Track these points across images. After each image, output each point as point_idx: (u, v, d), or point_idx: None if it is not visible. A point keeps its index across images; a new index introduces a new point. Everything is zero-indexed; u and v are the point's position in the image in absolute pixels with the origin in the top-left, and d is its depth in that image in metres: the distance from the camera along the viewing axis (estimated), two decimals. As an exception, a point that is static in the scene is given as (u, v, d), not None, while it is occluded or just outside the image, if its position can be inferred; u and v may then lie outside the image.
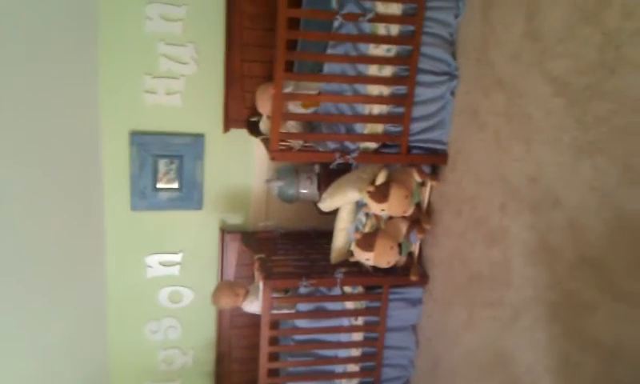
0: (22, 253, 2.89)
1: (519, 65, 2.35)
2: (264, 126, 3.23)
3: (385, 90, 2.90)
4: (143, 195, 3.55)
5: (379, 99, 2.91)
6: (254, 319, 3.40)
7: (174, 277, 3.78)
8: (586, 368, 1.98)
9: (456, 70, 2.85)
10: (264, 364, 3.19)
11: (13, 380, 2.96)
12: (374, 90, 2.90)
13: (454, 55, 2.87)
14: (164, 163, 3.53)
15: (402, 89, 2.89)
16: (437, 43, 2.83)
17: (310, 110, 3.03)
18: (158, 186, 3.56)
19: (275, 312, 3.17)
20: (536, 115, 2.24)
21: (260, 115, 3.27)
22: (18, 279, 2.87)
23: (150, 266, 3.72)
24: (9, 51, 2.49)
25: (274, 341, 3.22)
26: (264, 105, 3.05)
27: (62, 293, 3.29)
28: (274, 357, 3.26)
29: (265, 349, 3.17)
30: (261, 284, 3.13)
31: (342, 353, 3.30)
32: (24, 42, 2.61)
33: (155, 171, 3.53)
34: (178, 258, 3.75)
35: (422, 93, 2.88)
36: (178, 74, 3.40)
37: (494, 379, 2.55)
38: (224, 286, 3.38)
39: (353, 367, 3.33)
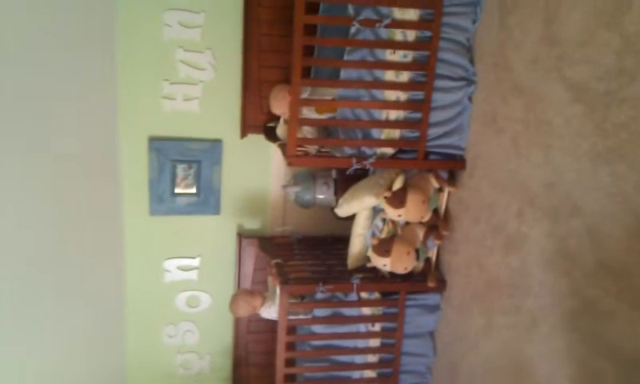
0: (41, 255, 2.94)
1: (537, 70, 2.33)
2: (281, 131, 3.24)
3: (402, 96, 2.90)
4: (161, 200, 3.58)
5: (396, 105, 2.90)
6: (271, 324, 3.41)
7: (191, 281, 3.81)
8: (605, 376, 1.96)
9: (473, 75, 2.83)
10: (281, 369, 3.20)
11: (30, 380, 3.01)
12: (391, 95, 2.90)
13: (471, 60, 2.85)
14: (182, 168, 3.57)
15: (419, 94, 2.88)
16: (454, 49, 2.82)
17: (324, 116, 3.04)
18: (176, 191, 3.60)
19: (292, 317, 3.17)
20: (555, 121, 2.22)
21: (277, 120, 3.28)
22: (37, 281, 2.92)
23: (168, 271, 3.75)
24: (27, 58, 2.53)
25: (290, 346, 3.22)
26: (278, 105, 3.06)
27: (80, 295, 3.33)
28: (290, 362, 3.26)
29: (281, 354, 3.17)
30: (277, 289, 3.14)
31: (359, 359, 3.29)
32: (43, 48, 2.66)
33: (173, 176, 3.57)
34: (195, 262, 3.77)
35: (439, 98, 2.87)
36: (196, 80, 3.44)
37: (512, 387, 2.53)
38: (240, 296, 3.39)
39: (370, 373, 3.32)
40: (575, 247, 2.12)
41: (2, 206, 2.56)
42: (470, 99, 2.87)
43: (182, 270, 3.77)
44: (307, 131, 3.13)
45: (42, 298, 3.01)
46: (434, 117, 2.90)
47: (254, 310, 3.35)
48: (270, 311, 3.37)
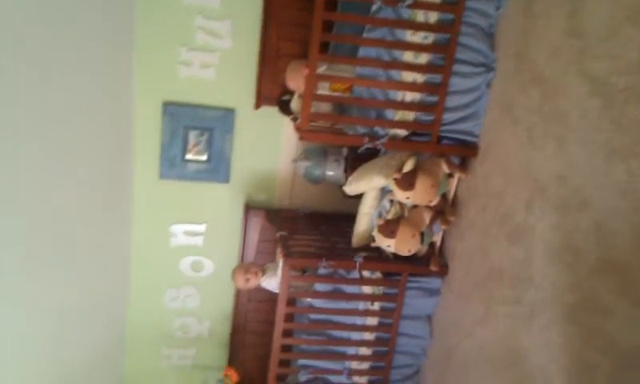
0: (50, 211, 2.96)
1: (558, 62, 2.31)
2: (295, 105, 3.24)
3: (419, 78, 2.88)
4: (172, 165, 3.60)
5: (413, 86, 2.89)
6: (271, 295, 3.45)
7: (196, 247, 3.85)
8: (600, 371, 1.97)
9: (493, 62, 2.81)
10: (278, 339, 3.24)
11: (29, 339, 3.06)
12: (408, 76, 2.88)
13: (492, 47, 2.83)
14: (194, 135, 3.58)
15: (436, 77, 2.87)
16: (475, 34, 2.80)
17: (337, 93, 3.03)
18: (187, 156, 3.61)
19: (292, 290, 3.20)
20: (571, 114, 2.21)
21: (291, 94, 3.28)
22: (45, 236, 2.95)
23: (174, 235, 3.79)
24: (42, 20, 2.53)
25: (289, 318, 3.26)
26: (294, 80, 3.04)
27: (87, 253, 3.37)
28: (288, 333, 3.30)
29: (280, 324, 3.21)
30: (280, 261, 3.17)
31: (356, 335, 3.33)
32: (59, 10, 2.65)
33: (185, 142, 3.58)
34: (201, 228, 3.81)
35: (456, 83, 2.85)
36: (214, 47, 3.43)
37: (506, 375, 2.55)
38: (238, 270, 3.43)
39: (365, 350, 3.36)
40: (581, 242, 2.12)
41: (9, 166, 2.58)
42: (488, 86, 2.85)
43: (187, 235, 3.81)
44: (321, 106, 3.12)
45: (49, 253, 3.05)
46: (451, 101, 2.89)
47: (249, 282, 3.38)
48: (271, 282, 3.41)
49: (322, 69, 2.94)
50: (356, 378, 3.40)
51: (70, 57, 2.82)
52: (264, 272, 3.44)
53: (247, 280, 3.38)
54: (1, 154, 2.42)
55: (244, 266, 3.47)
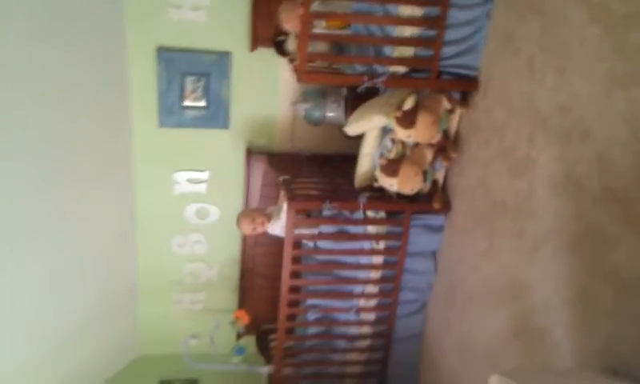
0: (53, 168, 2.97)
1: (558, -12, 2.23)
2: (291, 45, 3.17)
3: (417, 11, 2.80)
4: (171, 112, 3.57)
5: (411, 21, 2.81)
6: (278, 238, 3.48)
7: (200, 194, 3.86)
8: (603, 300, 2.00)
9: (492, -8, 2.72)
10: (286, 280, 3.29)
11: (45, 290, 3.13)
12: (406, 10, 2.80)
13: (491, -25, 2.73)
14: (191, 81, 3.53)
15: (434, 10, 2.78)
16: (474, -37, 2.70)
17: (334, 30, 2.95)
18: (185, 103, 3.57)
19: (298, 232, 3.23)
20: (571, 43, 2.15)
21: (287, 34, 3.20)
22: (49, 192, 2.97)
23: (177, 183, 3.80)
24: None
25: (296, 260, 3.30)
26: (289, 20, 2.96)
27: (92, 205, 3.40)
28: (296, 275, 3.35)
29: (287, 267, 3.26)
30: (285, 205, 3.18)
31: (362, 274, 3.38)
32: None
33: (182, 88, 3.53)
34: (204, 175, 3.81)
35: (455, 15, 2.77)
36: (205, -12, 3.33)
37: (510, 307, 2.60)
38: (243, 217, 3.45)
39: (371, 288, 3.41)
40: (584, 172, 2.11)
41: (13, 118, 2.57)
42: (487, 17, 2.77)
43: (191, 182, 3.81)
44: (318, 47, 3.05)
45: (54, 209, 3.08)
46: (450, 35, 2.81)
47: (257, 228, 3.41)
48: (276, 227, 3.43)
49: (315, 4, 2.85)
50: (364, 315, 3.47)
51: (60, 11, 2.76)
52: (269, 218, 3.46)
53: (254, 229, 3.40)
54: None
55: (249, 214, 3.48)
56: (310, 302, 3.42)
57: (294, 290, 3.38)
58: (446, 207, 3.18)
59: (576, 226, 2.15)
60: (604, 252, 2.00)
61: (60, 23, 2.80)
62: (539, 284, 2.38)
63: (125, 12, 3.32)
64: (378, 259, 3.35)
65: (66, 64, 2.93)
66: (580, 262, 2.13)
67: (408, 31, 2.84)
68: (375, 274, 3.39)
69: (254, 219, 3.42)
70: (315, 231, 3.29)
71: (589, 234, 2.08)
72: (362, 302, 3.44)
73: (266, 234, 3.55)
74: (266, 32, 3.39)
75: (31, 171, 2.85)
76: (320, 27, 2.95)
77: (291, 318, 3.50)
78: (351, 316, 3.45)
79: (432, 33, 2.82)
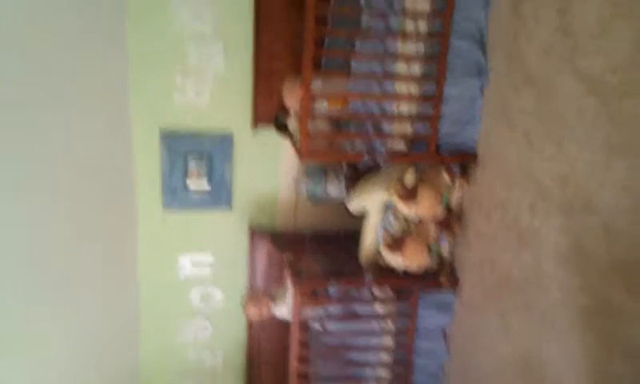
0: (55, 251, 2.96)
1: (550, 61, 2.26)
2: (292, 125, 3.21)
3: (413, 89, 2.84)
4: (174, 194, 3.59)
5: (408, 98, 2.85)
6: (284, 322, 3.39)
7: (205, 277, 3.81)
8: (621, 376, 1.89)
9: (486, 67, 2.76)
10: (294, 366, 3.17)
11: (45, 373, 3.04)
12: (403, 88, 2.85)
13: (484, 52, 2.78)
14: (194, 163, 3.57)
15: (430, 87, 2.82)
16: (466, 40, 2.76)
17: (335, 109, 3.00)
18: (189, 184, 3.60)
19: (305, 314, 3.14)
20: (568, 114, 2.15)
21: (287, 112, 3.25)
22: (51, 276, 2.95)
23: (182, 266, 3.76)
24: (37, 53, 2.55)
25: (304, 343, 3.19)
26: (291, 97, 3.02)
27: (95, 291, 3.36)
28: (304, 359, 3.24)
29: (295, 351, 3.15)
30: (290, 286, 3.12)
31: (372, 357, 3.25)
32: (53, 42, 2.67)
33: (185, 170, 3.57)
34: (209, 258, 3.78)
35: (451, 91, 2.81)
36: (207, 71, 3.42)
37: (526, 386, 2.47)
38: (250, 303, 3.37)
39: (383, 371, 3.28)
40: (589, 243, 2.05)
41: (15, 202, 2.59)
42: (482, 91, 2.80)
43: (195, 265, 3.78)
44: (318, 126, 3.09)
45: (56, 293, 3.04)
46: (446, 110, 2.84)
47: (265, 312, 3.34)
48: (282, 309, 3.35)
49: (316, 83, 2.91)
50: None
51: (66, 91, 2.84)
52: (274, 300, 3.39)
53: (261, 313, 3.33)
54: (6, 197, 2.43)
55: (255, 299, 3.40)
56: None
57: (303, 376, 3.25)
58: (454, 283, 3.09)
59: (585, 297, 2.07)
60: (617, 325, 1.91)
61: (68, 105, 2.87)
62: (554, 360, 2.27)
63: (130, 96, 3.41)
64: (387, 340, 3.23)
65: (72, 149, 2.98)
66: (592, 335, 2.04)
67: (405, 108, 2.88)
68: (386, 356, 3.26)
69: (259, 302, 3.36)
70: (322, 312, 3.20)
71: (599, 307, 2.00)
72: (373, 387, 3.30)
73: (272, 317, 3.46)
74: (266, 110, 3.45)
75: (29, 258, 2.83)
76: (322, 106, 3.00)
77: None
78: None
79: (429, 108, 2.85)
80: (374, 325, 3.21)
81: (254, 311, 3.35)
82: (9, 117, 2.45)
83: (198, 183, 3.60)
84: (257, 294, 3.51)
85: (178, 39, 3.35)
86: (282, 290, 3.41)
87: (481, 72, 2.76)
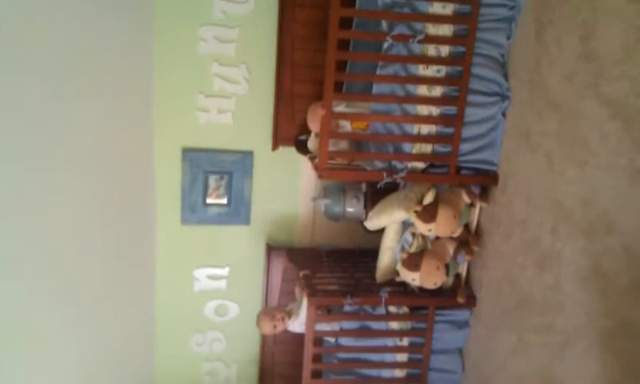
0: (75, 260, 2.99)
1: (574, 87, 2.31)
2: (312, 144, 3.27)
3: (434, 111, 2.90)
4: (193, 210, 3.64)
5: (428, 119, 2.91)
6: (298, 336, 3.42)
7: (220, 290, 3.85)
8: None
9: (507, 90, 2.82)
10: (307, 380, 3.19)
11: (58, 377, 3.05)
12: (424, 110, 2.90)
13: (505, 76, 2.84)
14: (214, 179, 3.62)
15: (451, 109, 2.88)
16: (488, 64, 2.82)
17: (358, 130, 3.06)
18: (208, 201, 3.65)
19: (319, 329, 3.17)
20: (591, 138, 2.20)
21: (308, 133, 3.32)
22: (70, 285, 2.97)
23: (197, 279, 3.80)
24: (64, 76, 2.61)
25: (317, 358, 3.22)
26: (314, 121, 3.08)
27: (112, 302, 3.38)
28: (317, 374, 3.26)
29: (308, 366, 3.17)
30: (304, 301, 3.15)
31: (386, 373, 3.27)
32: (82, 57, 2.73)
33: (205, 187, 3.62)
34: (225, 272, 3.81)
35: (472, 113, 2.86)
36: (230, 93, 3.49)
37: (543, 407, 2.49)
38: (264, 317, 3.39)
39: (397, 388, 3.30)
40: (611, 265, 2.08)
41: (39, 214, 2.63)
42: (503, 115, 2.85)
43: (211, 279, 3.81)
44: (339, 145, 3.15)
45: (73, 301, 3.06)
46: (467, 132, 2.90)
47: (279, 326, 3.35)
48: (295, 325, 3.38)
49: (340, 107, 2.97)
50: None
51: (92, 108, 2.89)
52: (289, 315, 3.41)
53: (274, 327, 3.35)
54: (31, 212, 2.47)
55: (269, 313, 3.43)
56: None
57: (316, 390, 3.27)
58: (471, 302, 3.12)
59: (607, 320, 2.10)
60: (635, 345, 1.94)
61: (94, 122, 2.93)
62: (569, 380, 2.29)
63: (155, 114, 3.47)
64: (402, 357, 3.25)
65: (94, 159, 3.03)
66: (612, 358, 2.06)
67: (426, 129, 2.93)
68: (400, 373, 3.28)
69: (274, 316, 3.38)
70: (336, 327, 3.23)
71: (621, 330, 2.03)
72: (387, 405, 3.31)
73: (285, 331, 3.49)
74: (287, 131, 3.51)
75: (46, 268, 2.86)
76: (345, 128, 3.06)
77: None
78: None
79: (450, 130, 2.90)
80: (389, 341, 3.24)
81: (268, 326, 3.37)
82: (45, 132, 2.51)
83: (217, 199, 3.65)
84: (271, 308, 3.54)
85: (203, 60, 3.42)
86: (297, 304, 3.44)
87: (502, 95, 2.82)
